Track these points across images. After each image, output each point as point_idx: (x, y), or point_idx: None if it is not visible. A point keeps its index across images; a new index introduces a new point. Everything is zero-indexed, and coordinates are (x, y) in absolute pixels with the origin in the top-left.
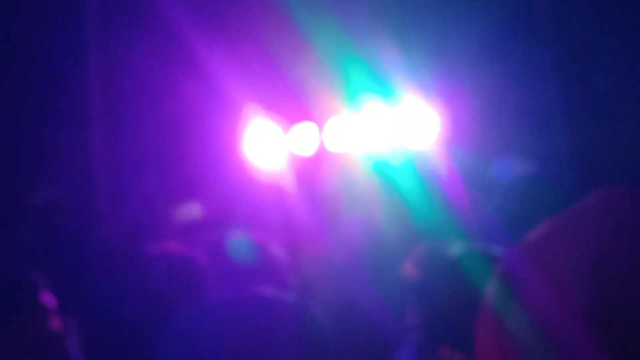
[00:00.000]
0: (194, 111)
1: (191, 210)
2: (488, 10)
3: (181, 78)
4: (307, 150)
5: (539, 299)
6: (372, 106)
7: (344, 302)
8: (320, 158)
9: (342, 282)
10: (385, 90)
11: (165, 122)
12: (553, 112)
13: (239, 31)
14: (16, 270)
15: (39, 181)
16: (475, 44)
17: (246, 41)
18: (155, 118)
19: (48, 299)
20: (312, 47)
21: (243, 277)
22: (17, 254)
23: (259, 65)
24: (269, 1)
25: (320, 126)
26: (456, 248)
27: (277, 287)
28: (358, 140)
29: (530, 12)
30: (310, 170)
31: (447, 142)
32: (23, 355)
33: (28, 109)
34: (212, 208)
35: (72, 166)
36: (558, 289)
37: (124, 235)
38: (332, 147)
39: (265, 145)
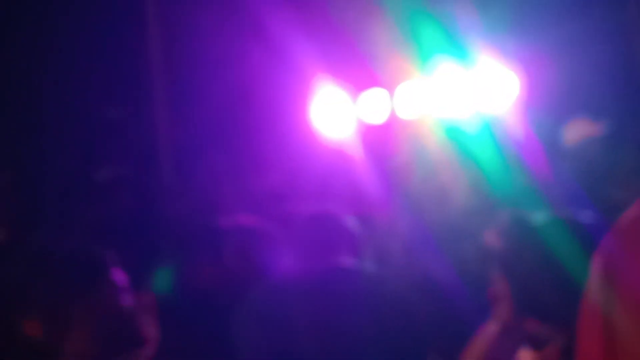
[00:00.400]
0: (262, 81)
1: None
2: None
3: (248, 46)
4: (377, 117)
5: None
6: (445, 69)
7: (418, 273)
8: (391, 126)
9: (416, 253)
10: (459, 51)
11: (232, 93)
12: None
13: None
14: (87, 247)
15: (105, 159)
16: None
17: (313, 5)
18: (222, 89)
19: (119, 276)
20: (382, 7)
21: (319, 249)
22: (86, 232)
23: (326, 30)
24: None
25: (391, 92)
26: (541, 215)
27: (354, 258)
28: (431, 106)
29: None
30: (380, 139)
31: (526, 105)
32: (97, 332)
33: (92, 85)
34: (282, 179)
35: (138, 142)
36: None
37: (192, 209)
38: (403, 114)
39: (334, 114)
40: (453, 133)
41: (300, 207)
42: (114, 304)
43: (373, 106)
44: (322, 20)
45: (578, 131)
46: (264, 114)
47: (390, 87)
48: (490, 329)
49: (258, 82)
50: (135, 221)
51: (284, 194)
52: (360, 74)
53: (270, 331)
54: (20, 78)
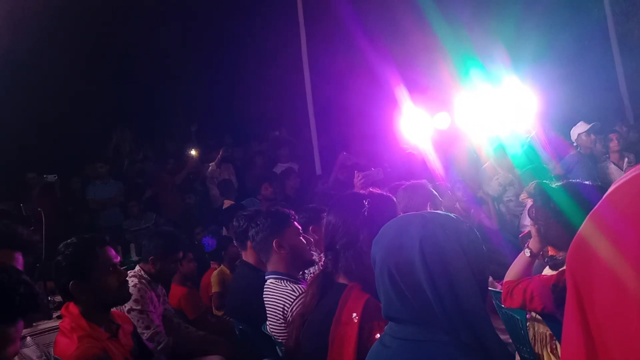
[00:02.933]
0: (369, 102)
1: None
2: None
3: (360, 80)
4: (444, 129)
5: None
6: (487, 91)
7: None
8: (452, 132)
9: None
10: (495, 77)
11: (352, 113)
12: None
13: (397, 42)
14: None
15: (282, 158)
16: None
17: (401, 48)
18: (346, 112)
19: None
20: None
21: (416, 205)
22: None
23: (409, 66)
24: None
25: (454, 111)
26: (556, 184)
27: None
28: (477, 118)
29: None
30: (446, 141)
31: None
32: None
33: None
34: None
35: (300, 148)
36: None
37: (332, 187)
38: (460, 124)
39: (415, 125)
40: (493, 137)
41: (400, 182)
42: (297, 239)
43: (442, 121)
44: (408, 59)
45: (579, 129)
46: (372, 125)
47: (453, 107)
48: (524, 256)
49: (366, 103)
50: (300, 194)
51: (389, 176)
52: (432, 96)
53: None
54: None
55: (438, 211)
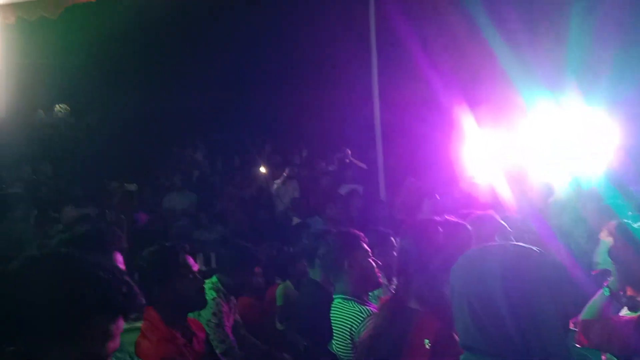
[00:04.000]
0: (437, 130)
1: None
2: None
3: (431, 110)
4: (515, 159)
5: None
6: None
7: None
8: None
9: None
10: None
11: (418, 139)
12: None
13: (467, 71)
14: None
15: (347, 180)
16: None
17: (471, 79)
18: (412, 136)
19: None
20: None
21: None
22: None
23: (479, 96)
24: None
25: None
26: (638, 223)
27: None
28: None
29: None
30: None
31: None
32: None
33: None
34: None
35: (365, 170)
36: None
37: (397, 211)
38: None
39: (484, 155)
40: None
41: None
42: (366, 261)
43: (511, 148)
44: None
45: None
46: (437, 152)
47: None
48: (602, 295)
49: (433, 130)
50: (364, 216)
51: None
52: (502, 125)
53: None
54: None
55: (520, 243)
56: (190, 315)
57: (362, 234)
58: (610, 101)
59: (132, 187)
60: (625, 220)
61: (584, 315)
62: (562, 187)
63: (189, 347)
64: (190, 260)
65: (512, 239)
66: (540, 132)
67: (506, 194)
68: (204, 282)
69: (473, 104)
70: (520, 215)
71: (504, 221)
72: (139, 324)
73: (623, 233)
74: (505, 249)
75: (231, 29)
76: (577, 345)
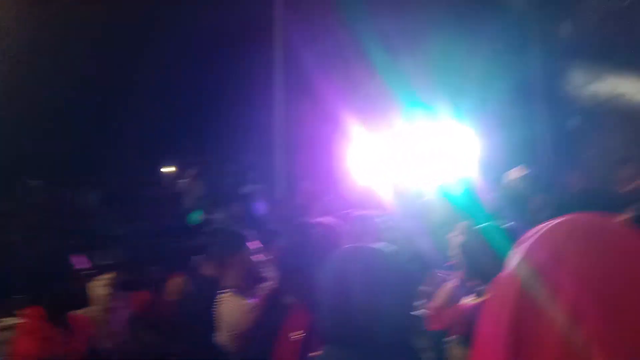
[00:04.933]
0: (332, 136)
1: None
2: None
3: (328, 117)
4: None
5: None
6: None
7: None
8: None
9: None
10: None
11: (315, 143)
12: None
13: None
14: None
15: (247, 180)
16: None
17: (359, 90)
18: (310, 141)
19: (252, 244)
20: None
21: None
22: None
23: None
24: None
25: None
26: (484, 224)
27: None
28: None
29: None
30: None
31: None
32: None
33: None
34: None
35: (263, 172)
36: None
37: (294, 212)
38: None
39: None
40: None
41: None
42: (250, 258)
43: (389, 154)
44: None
45: (514, 173)
46: (331, 156)
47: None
48: (450, 283)
49: (329, 136)
50: (262, 215)
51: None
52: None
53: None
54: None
55: (380, 243)
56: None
57: (250, 232)
58: (473, 115)
59: (36, 183)
60: (474, 220)
61: (435, 302)
62: (430, 191)
63: (70, 345)
64: (78, 259)
65: (387, 238)
66: (415, 141)
67: (385, 196)
68: (87, 281)
69: (360, 115)
70: (395, 215)
71: (381, 221)
72: (12, 322)
73: (470, 230)
74: (364, 249)
75: (135, 29)
76: (430, 329)
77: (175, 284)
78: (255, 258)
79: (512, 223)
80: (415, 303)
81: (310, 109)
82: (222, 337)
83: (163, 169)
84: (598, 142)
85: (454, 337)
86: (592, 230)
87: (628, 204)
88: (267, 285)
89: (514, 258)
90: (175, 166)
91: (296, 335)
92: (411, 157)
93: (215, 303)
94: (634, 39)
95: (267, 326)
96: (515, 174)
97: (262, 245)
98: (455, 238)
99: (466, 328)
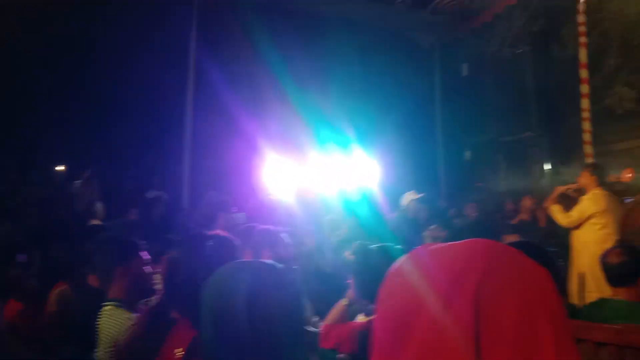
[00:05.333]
0: (244, 149)
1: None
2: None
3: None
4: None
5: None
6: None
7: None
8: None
9: (313, 259)
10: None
11: (226, 154)
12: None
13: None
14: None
15: (152, 186)
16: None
17: (266, 106)
18: (221, 152)
19: (144, 253)
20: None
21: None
22: (131, 228)
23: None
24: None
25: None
26: (375, 245)
27: (277, 259)
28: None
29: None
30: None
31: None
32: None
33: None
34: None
35: (168, 179)
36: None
37: (195, 222)
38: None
39: (279, 175)
40: (340, 195)
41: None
42: (140, 269)
43: (298, 171)
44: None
45: (408, 197)
46: (242, 169)
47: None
48: (342, 301)
49: (240, 148)
50: (165, 223)
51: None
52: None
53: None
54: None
55: (267, 260)
56: None
57: (142, 242)
58: (374, 143)
59: None
60: (364, 242)
61: (326, 320)
62: (335, 209)
63: None
64: None
65: (285, 253)
66: (322, 162)
67: (292, 212)
68: None
69: (269, 134)
70: (300, 230)
71: (285, 235)
72: None
73: (360, 251)
74: (252, 265)
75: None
76: (321, 346)
77: (57, 294)
78: (145, 269)
79: (403, 246)
80: (311, 320)
81: (221, 121)
82: (101, 352)
83: (56, 168)
84: (486, 175)
85: (342, 355)
86: (491, 252)
87: (514, 233)
88: (153, 299)
89: (399, 277)
90: (68, 166)
91: (178, 352)
92: (318, 176)
93: (97, 315)
94: (520, 85)
95: (148, 342)
96: (409, 197)
97: (154, 256)
98: (350, 257)
99: (354, 346)
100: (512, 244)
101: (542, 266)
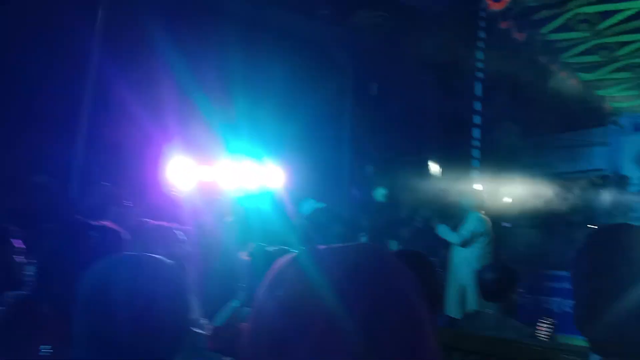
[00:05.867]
0: (147, 143)
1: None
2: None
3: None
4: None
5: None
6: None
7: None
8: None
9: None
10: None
11: (124, 147)
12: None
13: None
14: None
15: (40, 171)
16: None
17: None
18: (113, 145)
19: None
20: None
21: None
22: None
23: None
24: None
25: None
26: (272, 246)
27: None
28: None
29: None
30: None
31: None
32: None
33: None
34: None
35: (60, 166)
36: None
37: (85, 211)
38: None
39: (181, 173)
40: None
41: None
42: (10, 257)
43: (204, 170)
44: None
45: (309, 205)
46: (145, 163)
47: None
48: (231, 304)
49: (143, 142)
50: (50, 212)
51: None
52: (198, 151)
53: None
54: None
55: (154, 255)
56: None
57: (15, 229)
58: (282, 150)
59: None
60: (260, 244)
61: (215, 322)
62: (235, 211)
63: None
64: None
65: (181, 249)
66: (228, 165)
67: (191, 210)
68: None
69: (175, 134)
70: (197, 229)
71: (182, 233)
72: None
73: (257, 254)
74: (132, 258)
75: None
76: (208, 349)
77: None
78: (16, 258)
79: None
80: (199, 322)
81: (121, 116)
82: None
83: None
84: (388, 189)
85: (229, 359)
86: (373, 257)
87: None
88: (21, 291)
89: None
90: None
91: (46, 350)
92: (223, 178)
93: None
94: (422, 109)
95: (12, 338)
96: (310, 205)
97: (30, 245)
98: (246, 258)
99: (238, 349)
100: (399, 252)
101: (416, 275)
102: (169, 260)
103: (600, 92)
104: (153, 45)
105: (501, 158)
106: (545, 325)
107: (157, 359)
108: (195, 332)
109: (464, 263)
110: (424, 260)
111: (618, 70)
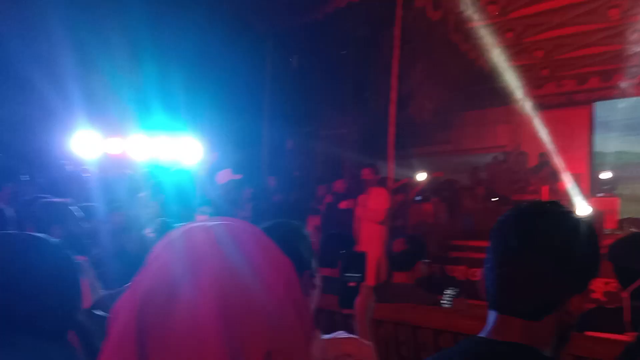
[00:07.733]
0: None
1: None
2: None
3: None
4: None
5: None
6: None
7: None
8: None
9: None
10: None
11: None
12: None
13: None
14: None
15: None
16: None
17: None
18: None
19: None
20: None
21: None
22: None
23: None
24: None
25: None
26: (177, 223)
27: (67, 235)
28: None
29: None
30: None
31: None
32: None
33: None
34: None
35: None
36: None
37: None
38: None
39: (87, 146)
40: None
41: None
42: None
43: (112, 143)
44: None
45: (224, 177)
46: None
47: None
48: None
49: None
50: None
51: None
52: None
53: None
54: None
55: (36, 234)
56: None
57: None
58: (199, 123)
59: None
60: (166, 219)
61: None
62: (149, 186)
63: None
64: None
65: (79, 227)
66: (140, 140)
67: (98, 186)
68: None
69: (81, 107)
70: (105, 206)
71: (77, 209)
72: None
73: (163, 229)
74: (15, 236)
75: None
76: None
77: None
78: None
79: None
80: (104, 304)
81: (20, 87)
82: None
83: None
84: (305, 164)
85: None
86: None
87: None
88: None
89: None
90: None
91: None
92: (135, 153)
93: None
94: (342, 84)
95: None
96: (225, 176)
97: None
98: (151, 234)
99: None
100: (275, 222)
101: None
102: (53, 239)
103: (506, 73)
104: (55, 14)
105: (415, 134)
106: (449, 293)
107: (42, 339)
108: (97, 314)
109: (373, 236)
110: (301, 231)
111: (522, 51)
